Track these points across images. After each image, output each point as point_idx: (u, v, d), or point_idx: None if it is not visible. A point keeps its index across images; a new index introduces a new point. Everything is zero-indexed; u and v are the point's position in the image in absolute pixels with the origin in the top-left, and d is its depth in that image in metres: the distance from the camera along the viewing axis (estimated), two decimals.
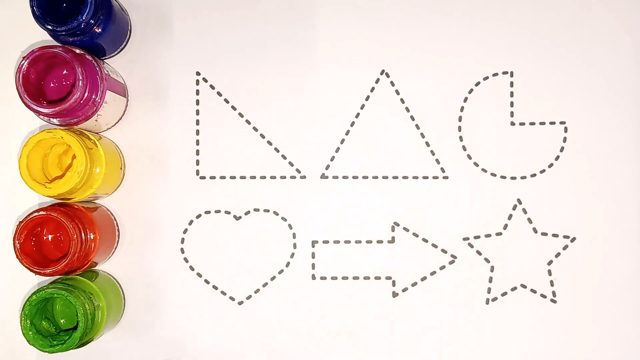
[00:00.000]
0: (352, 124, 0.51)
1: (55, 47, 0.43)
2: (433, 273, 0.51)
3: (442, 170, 0.51)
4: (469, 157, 0.51)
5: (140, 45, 0.51)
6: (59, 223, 0.44)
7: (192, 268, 0.51)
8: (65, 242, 0.47)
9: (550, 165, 0.51)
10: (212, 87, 0.51)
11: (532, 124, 0.51)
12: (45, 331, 0.45)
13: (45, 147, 0.45)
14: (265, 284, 0.51)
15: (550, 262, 0.51)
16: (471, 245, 0.51)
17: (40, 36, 0.50)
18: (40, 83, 0.45)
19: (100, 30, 0.46)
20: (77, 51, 0.45)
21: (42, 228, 0.47)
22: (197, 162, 0.51)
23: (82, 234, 0.45)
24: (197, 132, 0.51)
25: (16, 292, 0.50)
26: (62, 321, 0.47)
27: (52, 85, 0.47)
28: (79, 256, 0.45)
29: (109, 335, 0.50)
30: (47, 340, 0.44)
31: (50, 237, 0.47)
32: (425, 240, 0.51)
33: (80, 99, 0.44)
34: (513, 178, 0.51)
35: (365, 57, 0.51)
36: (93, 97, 0.45)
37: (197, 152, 0.51)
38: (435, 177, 0.51)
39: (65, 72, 0.47)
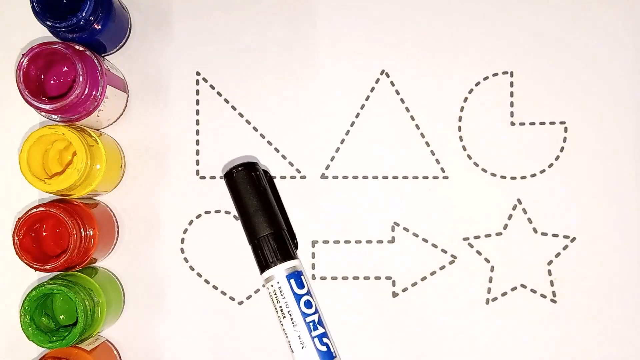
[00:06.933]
0: (352, 124, 0.51)
1: (55, 43, 0.43)
2: (433, 273, 0.51)
3: (442, 170, 0.51)
4: (469, 157, 0.51)
5: (140, 44, 0.51)
6: (58, 219, 0.44)
7: (192, 268, 0.51)
8: (64, 238, 0.47)
9: (550, 165, 0.51)
10: (212, 87, 0.51)
11: (532, 124, 0.51)
12: (44, 327, 0.45)
13: (46, 143, 0.45)
14: (265, 284, 0.51)
15: (550, 262, 0.50)
16: (471, 245, 0.51)
17: (40, 32, 0.50)
18: (40, 79, 0.45)
19: (100, 27, 0.46)
20: (77, 47, 0.45)
21: (42, 224, 0.46)
22: (197, 162, 0.51)
23: (82, 230, 0.45)
24: (197, 132, 0.51)
25: (16, 288, 0.50)
26: (61, 317, 0.47)
27: (52, 81, 0.47)
28: (79, 252, 0.45)
29: (108, 333, 0.50)
30: (47, 336, 0.44)
31: (49, 233, 0.47)
32: (425, 240, 0.51)
33: (81, 95, 0.44)
34: (513, 178, 0.51)
35: (365, 57, 0.51)
36: (94, 92, 0.45)
37: (197, 152, 0.51)
38: (435, 177, 0.51)
39: (65, 68, 0.47)
